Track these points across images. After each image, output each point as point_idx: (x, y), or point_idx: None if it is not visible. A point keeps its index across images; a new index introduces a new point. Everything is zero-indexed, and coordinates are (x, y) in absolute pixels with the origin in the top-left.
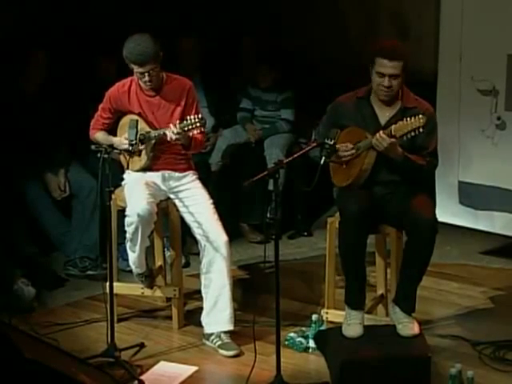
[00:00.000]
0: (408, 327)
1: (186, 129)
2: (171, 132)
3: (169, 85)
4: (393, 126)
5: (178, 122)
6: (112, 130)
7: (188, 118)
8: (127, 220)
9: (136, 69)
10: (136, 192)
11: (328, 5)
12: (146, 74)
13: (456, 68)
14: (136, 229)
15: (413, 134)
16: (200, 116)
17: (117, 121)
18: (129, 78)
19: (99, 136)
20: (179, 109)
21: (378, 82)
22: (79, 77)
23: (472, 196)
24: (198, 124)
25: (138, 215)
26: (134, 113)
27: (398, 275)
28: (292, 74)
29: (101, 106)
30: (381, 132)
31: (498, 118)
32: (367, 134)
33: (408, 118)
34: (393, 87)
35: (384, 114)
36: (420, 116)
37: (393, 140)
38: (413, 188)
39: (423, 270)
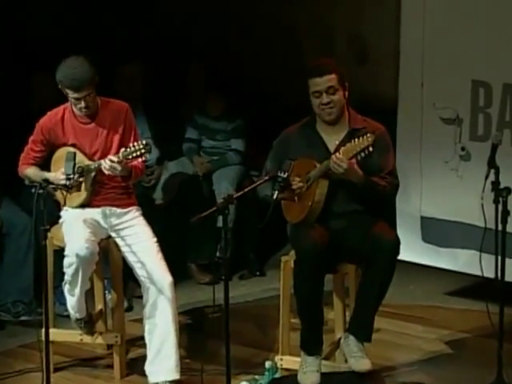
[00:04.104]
0: (361, 362)
1: (130, 157)
2: (108, 163)
3: (104, 110)
4: (341, 149)
5: (122, 150)
6: (43, 166)
7: (131, 145)
8: (66, 261)
9: (71, 94)
10: (75, 230)
11: (282, 30)
12: (82, 100)
13: (417, 94)
14: (76, 270)
15: (363, 154)
16: (144, 142)
17: (49, 154)
18: (61, 107)
19: (30, 172)
20: (118, 135)
21: (318, 103)
22: (10, 107)
23: (436, 232)
24: (142, 151)
25: (78, 256)
26: (68, 144)
27: (354, 302)
28: (243, 102)
29: (31, 139)
30: (337, 153)
31: (463, 149)
32: (316, 163)
33: (356, 139)
34: (333, 102)
35: (332, 140)
36: (368, 135)
37: (351, 161)
38: (372, 218)
39: (381, 295)
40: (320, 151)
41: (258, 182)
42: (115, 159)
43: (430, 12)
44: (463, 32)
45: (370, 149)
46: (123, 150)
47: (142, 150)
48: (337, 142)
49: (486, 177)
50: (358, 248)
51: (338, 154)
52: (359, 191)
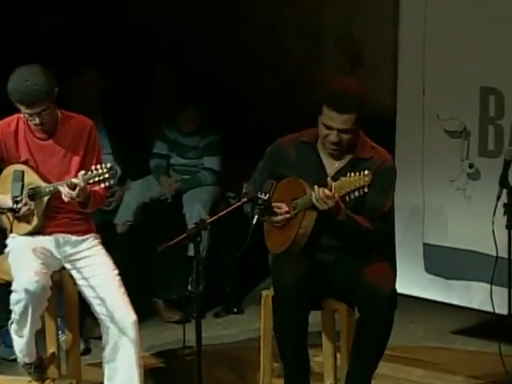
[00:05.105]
0: None
1: (91, 181)
2: (69, 188)
3: (65, 125)
4: (333, 184)
5: (82, 173)
6: None
7: (94, 168)
8: (13, 297)
9: (23, 109)
10: (24, 262)
11: (263, 29)
12: (36, 116)
13: (418, 104)
14: (25, 308)
15: (356, 194)
16: (109, 166)
17: None
18: (14, 116)
19: None
20: (78, 155)
21: (325, 135)
22: None
23: (440, 262)
24: (106, 175)
25: (27, 291)
26: (20, 161)
27: (348, 360)
28: (220, 113)
29: None
30: (324, 189)
31: (471, 166)
32: (307, 189)
33: (352, 174)
34: (342, 142)
35: (332, 165)
36: (365, 173)
37: (337, 198)
38: (365, 253)
39: (379, 354)
40: (316, 176)
41: (235, 205)
42: (81, 182)
43: (432, 10)
44: (470, 32)
45: (365, 190)
46: (83, 172)
47: (106, 175)
48: (336, 166)
49: (498, 198)
50: (347, 288)
51: (326, 189)
52: (337, 226)
